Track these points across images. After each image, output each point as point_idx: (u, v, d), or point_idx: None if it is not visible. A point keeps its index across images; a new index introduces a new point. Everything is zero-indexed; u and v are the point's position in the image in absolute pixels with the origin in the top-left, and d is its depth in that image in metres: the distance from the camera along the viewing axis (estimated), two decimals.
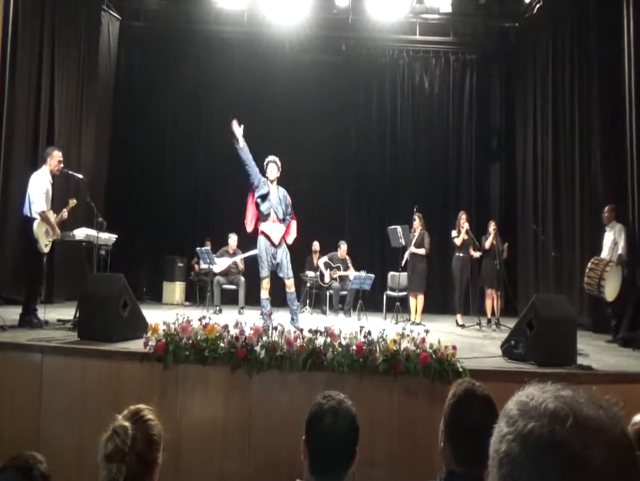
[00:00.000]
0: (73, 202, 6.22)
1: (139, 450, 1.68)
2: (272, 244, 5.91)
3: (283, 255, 5.96)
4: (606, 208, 6.84)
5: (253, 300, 9.00)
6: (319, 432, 1.72)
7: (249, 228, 6.08)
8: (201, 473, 3.91)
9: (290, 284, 6.06)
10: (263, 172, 6.05)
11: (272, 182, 6.02)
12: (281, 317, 5.84)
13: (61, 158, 5.98)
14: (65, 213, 6.07)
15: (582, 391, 0.70)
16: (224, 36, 10.66)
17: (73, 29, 9.00)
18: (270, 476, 3.80)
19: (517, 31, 10.65)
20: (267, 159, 6.11)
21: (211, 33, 10.60)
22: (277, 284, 6.46)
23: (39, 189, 5.69)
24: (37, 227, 5.65)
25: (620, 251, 6.59)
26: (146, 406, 1.85)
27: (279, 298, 7.33)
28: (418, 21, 10.60)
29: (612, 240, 6.72)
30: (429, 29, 10.81)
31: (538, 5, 9.49)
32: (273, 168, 6.03)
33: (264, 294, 5.96)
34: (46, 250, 5.80)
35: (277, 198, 5.99)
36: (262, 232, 5.95)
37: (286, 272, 5.98)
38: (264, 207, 5.94)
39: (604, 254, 6.77)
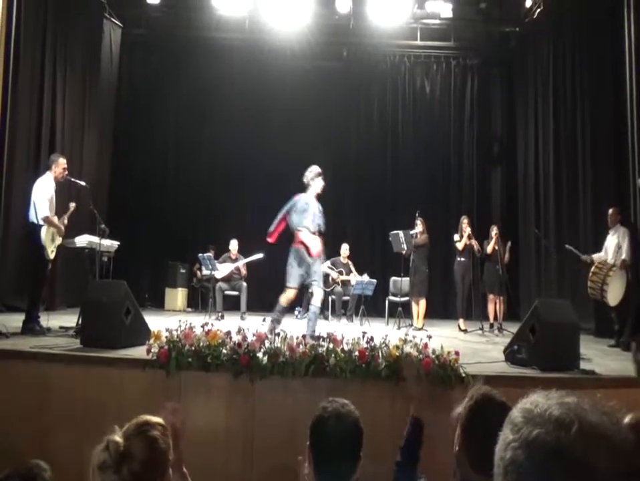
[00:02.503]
0: (72, 206, 6.20)
1: (135, 470, 1.53)
2: (310, 255, 5.67)
3: (318, 267, 5.80)
4: (611, 211, 6.81)
5: (255, 305, 9.01)
6: (324, 435, 1.72)
7: (271, 240, 5.87)
8: (204, 480, 3.89)
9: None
10: (305, 186, 5.82)
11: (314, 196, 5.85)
12: (285, 324, 5.82)
13: (66, 165, 6.00)
14: (65, 219, 6.06)
15: (586, 398, 0.71)
16: (225, 43, 10.69)
17: (75, 36, 9.04)
18: None
19: (518, 35, 10.68)
20: (317, 171, 5.88)
21: (212, 39, 10.62)
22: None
23: (43, 195, 5.70)
24: (45, 234, 5.65)
25: (624, 255, 6.55)
26: (157, 420, 1.69)
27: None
28: (419, 27, 10.63)
29: (617, 244, 6.68)
30: (430, 34, 10.84)
31: (538, 10, 9.52)
32: (321, 183, 5.84)
33: (285, 302, 5.76)
34: (52, 256, 5.81)
35: (318, 210, 5.85)
36: (302, 243, 5.67)
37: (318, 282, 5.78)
38: (312, 225, 5.72)
39: (609, 257, 6.74)
